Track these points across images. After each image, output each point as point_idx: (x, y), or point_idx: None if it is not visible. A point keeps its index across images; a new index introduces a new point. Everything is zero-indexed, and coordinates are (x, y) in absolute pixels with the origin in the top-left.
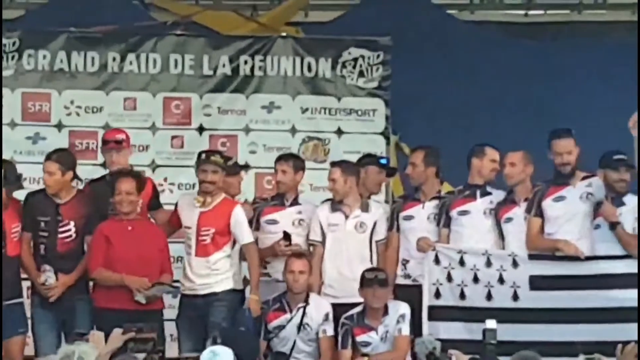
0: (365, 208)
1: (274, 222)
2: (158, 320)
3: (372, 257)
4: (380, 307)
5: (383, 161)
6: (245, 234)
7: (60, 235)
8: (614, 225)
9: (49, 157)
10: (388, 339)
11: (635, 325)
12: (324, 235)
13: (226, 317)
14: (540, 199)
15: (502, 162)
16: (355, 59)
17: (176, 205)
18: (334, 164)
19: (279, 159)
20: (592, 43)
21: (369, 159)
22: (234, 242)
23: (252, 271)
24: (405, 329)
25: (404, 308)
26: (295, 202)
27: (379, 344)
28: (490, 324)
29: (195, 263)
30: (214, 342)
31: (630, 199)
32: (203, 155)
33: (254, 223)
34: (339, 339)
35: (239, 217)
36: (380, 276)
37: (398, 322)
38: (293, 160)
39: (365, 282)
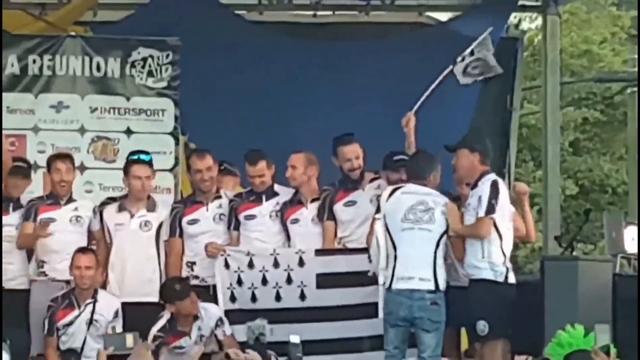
0: (151, 208)
1: (52, 219)
2: None
3: (159, 256)
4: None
5: (146, 157)
6: None
7: None
8: None
9: None
10: (202, 342)
11: None
12: (110, 234)
13: None
14: (330, 204)
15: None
16: (145, 59)
17: None
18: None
19: (56, 158)
20: (378, 44)
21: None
22: None
23: None
24: (228, 330)
25: (216, 310)
26: (71, 200)
27: (193, 347)
28: (294, 339)
29: None
30: None
31: None
32: None
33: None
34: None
35: None
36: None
37: (217, 325)
38: (70, 159)
39: (181, 293)
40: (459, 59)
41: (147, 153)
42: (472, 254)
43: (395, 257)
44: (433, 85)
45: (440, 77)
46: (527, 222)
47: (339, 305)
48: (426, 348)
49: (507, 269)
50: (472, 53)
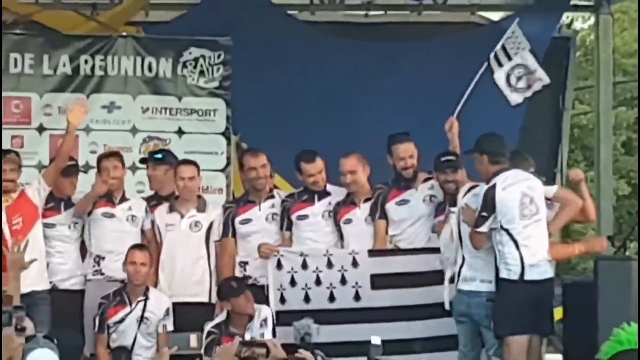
0: (202, 208)
1: (111, 215)
2: None
3: (209, 257)
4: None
5: (158, 155)
6: None
7: None
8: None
9: None
10: None
11: None
12: (160, 234)
13: None
14: (383, 203)
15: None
16: (196, 59)
17: None
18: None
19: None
20: (430, 44)
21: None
22: None
23: None
24: (268, 333)
25: (266, 311)
26: (124, 199)
27: None
28: (375, 340)
29: None
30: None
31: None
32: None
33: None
34: (203, 348)
35: None
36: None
37: (261, 326)
38: (118, 157)
39: (236, 290)
40: (492, 54)
41: (162, 151)
42: (496, 257)
43: (463, 257)
44: (470, 88)
45: (476, 78)
46: (586, 202)
47: (394, 306)
48: (490, 346)
49: (524, 267)
50: (509, 57)
